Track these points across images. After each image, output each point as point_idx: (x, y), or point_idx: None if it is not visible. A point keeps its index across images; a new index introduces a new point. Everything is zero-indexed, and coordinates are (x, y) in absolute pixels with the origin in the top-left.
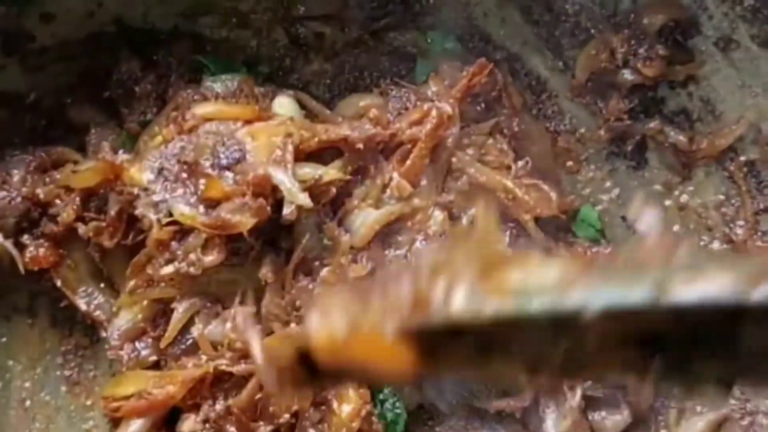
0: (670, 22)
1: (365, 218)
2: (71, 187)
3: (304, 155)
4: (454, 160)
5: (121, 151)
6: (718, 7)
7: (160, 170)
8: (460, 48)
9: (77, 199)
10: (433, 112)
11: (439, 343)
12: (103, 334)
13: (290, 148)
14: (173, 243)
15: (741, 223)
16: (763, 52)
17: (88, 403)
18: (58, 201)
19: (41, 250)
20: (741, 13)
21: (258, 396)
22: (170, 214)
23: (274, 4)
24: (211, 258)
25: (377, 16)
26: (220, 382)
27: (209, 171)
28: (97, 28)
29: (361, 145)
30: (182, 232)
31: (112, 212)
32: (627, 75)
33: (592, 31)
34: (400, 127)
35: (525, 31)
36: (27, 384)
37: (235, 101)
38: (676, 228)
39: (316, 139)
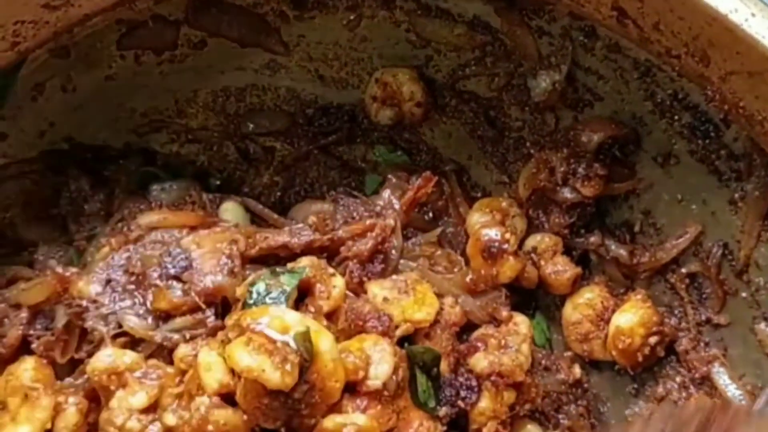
0: (609, 138)
1: None
2: (20, 305)
3: (248, 260)
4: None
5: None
6: (657, 124)
7: (108, 282)
8: (408, 160)
9: (24, 317)
10: (377, 230)
11: None
12: None
13: (237, 254)
14: None
15: (684, 334)
16: (701, 167)
17: None
18: (6, 320)
19: None
20: (679, 129)
21: None
22: (120, 326)
23: (224, 120)
24: None
25: (326, 131)
26: None
27: (157, 282)
28: (48, 146)
29: (299, 251)
30: (133, 342)
31: (59, 325)
32: (566, 193)
33: (533, 149)
34: (340, 235)
35: (470, 146)
36: None
37: (181, 209)
38: None
39: (257, 247)
